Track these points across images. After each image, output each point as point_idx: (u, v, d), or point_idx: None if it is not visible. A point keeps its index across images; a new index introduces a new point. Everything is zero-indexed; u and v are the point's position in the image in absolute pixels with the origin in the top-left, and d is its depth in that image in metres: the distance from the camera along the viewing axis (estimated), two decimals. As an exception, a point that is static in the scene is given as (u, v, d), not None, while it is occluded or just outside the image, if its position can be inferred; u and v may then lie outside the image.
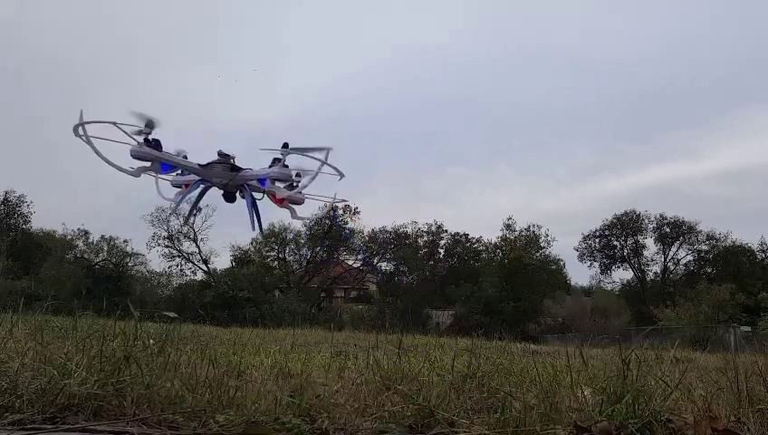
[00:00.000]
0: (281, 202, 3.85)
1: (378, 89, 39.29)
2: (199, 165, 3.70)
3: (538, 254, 27.78)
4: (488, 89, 38.04)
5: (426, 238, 30.87)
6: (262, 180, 3.97)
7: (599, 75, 35.86)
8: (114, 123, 3.88)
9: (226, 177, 3.63)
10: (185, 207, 6.98)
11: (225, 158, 3.75)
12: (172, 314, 1.72)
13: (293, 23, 39.35)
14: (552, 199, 38.28)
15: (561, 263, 29.63)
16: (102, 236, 27.16)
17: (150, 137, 3.64)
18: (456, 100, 38.73)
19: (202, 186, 3.69)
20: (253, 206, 4.12)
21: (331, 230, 28.56)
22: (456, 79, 38.29)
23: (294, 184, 4.55)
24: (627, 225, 30.51)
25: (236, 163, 4.02)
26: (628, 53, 34.52)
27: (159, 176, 3.80)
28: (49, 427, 1.31)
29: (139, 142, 3.60)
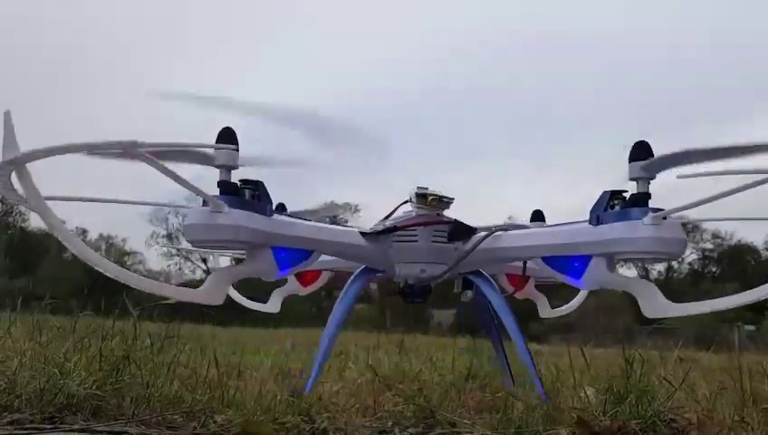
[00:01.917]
0: (523, 284, 1.52)
1: (393, 78, 39.05)
2: (364, 233, 1.11)
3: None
4: (513, 78, 37.68)
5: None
6: (574, 265, 1.06)
7: (629, 66, 35.71)
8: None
9: (444, 258, 1.10)
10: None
11: (438, 206, 1.12)
12: (172, 301, 1.69)
13: (307, 11, 39.30)
14: (569, 195, 38.03)
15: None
16: (100, 235, 27.20)
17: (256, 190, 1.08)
18: (478, 90, 38.37)
19: (356, 286, 1.25)
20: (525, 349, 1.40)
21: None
22: (483, 68, 37.94)
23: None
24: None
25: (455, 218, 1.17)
26: (662, 44, 34.42)
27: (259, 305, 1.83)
28: (48, 426, 1.31)
29: (207, 197, 1.02)
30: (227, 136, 1.12)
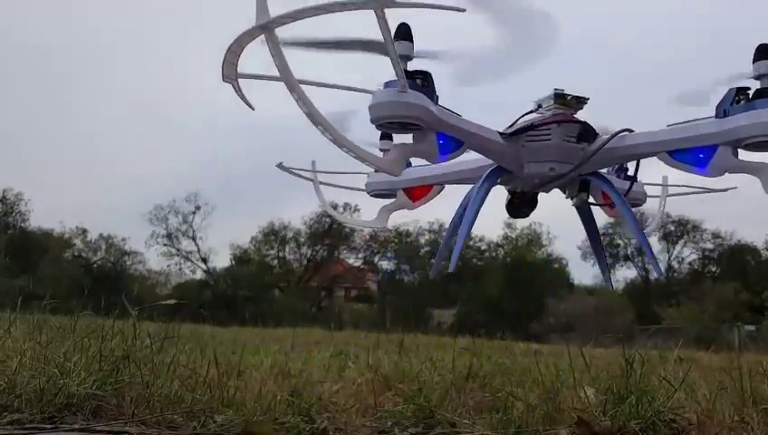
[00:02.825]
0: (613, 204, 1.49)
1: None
2: (503, 134, 1.24)
3: (540, 251, 27.82)
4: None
5: (427, 237, 30.89)
6: (699, 155, 1.13)
7: (630, 66, 35.64)
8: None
9: (571, 158, 1.19)
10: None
11: (569, 107, 1.21)
12: (172, 301, 1.71)
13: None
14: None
15: (564, 262, 29.64)
16: (100, 235, 27.21)
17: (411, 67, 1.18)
18: (471, 90, 38.27)
19: (489, 183, 1.28)
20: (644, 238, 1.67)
21: (331, 229, 28.58)
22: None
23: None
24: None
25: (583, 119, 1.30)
26: (663, 43, 34.39)
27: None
28: (48, 426, 1.31)
29: (399, 73, 1.10)
30: (404, 31, 1.19)
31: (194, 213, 27.46)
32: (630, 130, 1.23)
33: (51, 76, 35.29)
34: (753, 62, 1.09)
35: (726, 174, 1.18)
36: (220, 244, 40.51)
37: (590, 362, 1.74)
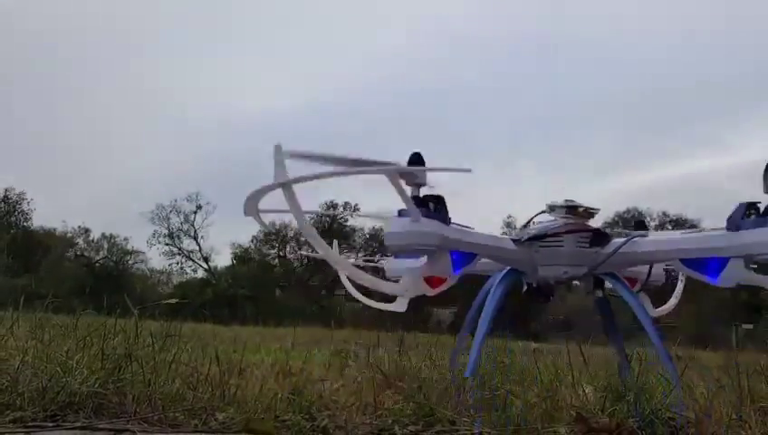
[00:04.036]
0: (634, 283, 1.57)
1: (392, 78, 38.87)
2: (515, 240, 1.33)
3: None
4: (511, 78, 37.54)
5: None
6: (711, 265, 1.22)
7: (626, 66, 35.55)
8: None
9: (583, 261, 1.29)
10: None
11: (584, 216, 1.31)
12: (173, 300, 1.74)
13: (304, 6, 39.15)
14: (569, 195, 37.66)
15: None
16: (103, 234, 27.24)
17: (424, 192, 1.27)
18: (476, 89, 38.22)
19: (505, 283, 1.37)
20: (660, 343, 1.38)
21: (332, 228, 28.58)
22: (478, 67, 37.83)
23: None
24: (628, 222, 30.50)
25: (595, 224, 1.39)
26: (655, 43, 34.32)
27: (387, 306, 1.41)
28: (50, 425, 1.32)
29: (411, 208, 1.18)
30: (418, 159, 1.26)
31: (195, 212, 27.52)
32: (644, 235, 1.30)
33: (53, 76, 35.29)
34: (765, 178, 1.12)
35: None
36: (221, 243, 40.43)
37: (588, 361, 1.75)
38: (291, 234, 29.21)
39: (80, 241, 27.36)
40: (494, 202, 37.82)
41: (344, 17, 38.24)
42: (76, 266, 24.42)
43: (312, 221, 25.65)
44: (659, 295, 1.93)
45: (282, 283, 28.21)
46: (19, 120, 33.93)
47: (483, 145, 38.22)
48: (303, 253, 27.90)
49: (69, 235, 27.10)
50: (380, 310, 1.46)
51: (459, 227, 1.29)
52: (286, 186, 1.06)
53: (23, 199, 27.32)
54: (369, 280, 1.21)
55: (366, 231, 29.38)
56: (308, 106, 38.63)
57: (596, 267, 1.28)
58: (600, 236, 1.30)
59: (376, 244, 29.96)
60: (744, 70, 34.54)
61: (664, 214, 30.31)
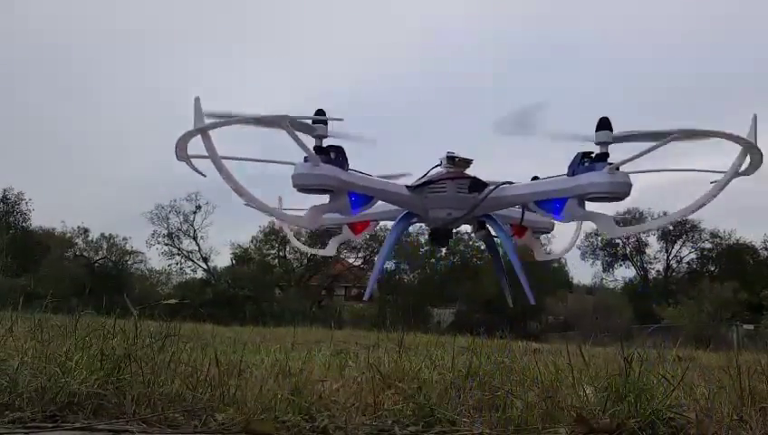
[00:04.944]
0: (522, 232, 1.89)
1: (393, 77, 38.89)
2: (408, 187, 1.64)
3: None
4: (509, 78, 37.63)
5: (427, 236, 30.86)
6: (555, 205, 1.52)
7: (626, 66, 35.61)
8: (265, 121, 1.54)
9: (464, 204, 1.57)
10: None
11: (461, 165, 1.61)
12: (173, 301, 1.76)
13: (304, 6, 39.16)
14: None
15: (563, 261, 29.67)
16: (102, 234, 27.23)
17: (325, 142, 1.54)
18: (475, 89, 38.26)
19: (401, 225, 1.72)
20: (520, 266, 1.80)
21: (331, 228, 28.56)
22: (482, 66, 37.90)
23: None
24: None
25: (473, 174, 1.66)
26: (655, 43, 34.40)
27: (336, 222, 1.90)
28: (49, 425, 1.32)
29: (309, 154, 1.48)
30: (320, 114, 1.50)
31: (195, 212, 27.50)
32: (510, 183, 1.48)
33: (53, 76, 35.29)
34: (596, 132, 1.34)
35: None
36: (221, 243, 40.48)
37: (588, 361, 1.75)
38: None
39: (79, 241, 27.36)
40: (494, 202, 37.74)
41: (344, 17, 38.26)
42: (75, 267, 24.42)
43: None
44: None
45: (281, 283, 28.19)
46: (19, 120, 33.95)
47: (483, 145, 38.16)
48: (304, 248, 27.88)
49: (68, 235, 27.11)
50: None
51: (357, 173, 1.56)
52: (204, 132, 1.31)
53: (21, 199, 27.34)
54: (276, 213, 1.47)
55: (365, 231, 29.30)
56: (308, 106, 38.59)
57: (473, 209, 1.54)
58: (477, 183, 1.57)
59: (376, 244, 29.98)
60: (745, 70, 34.58)
61: (665, 214, 30.38)
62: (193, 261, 27.91)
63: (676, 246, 30.15)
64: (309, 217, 1.39)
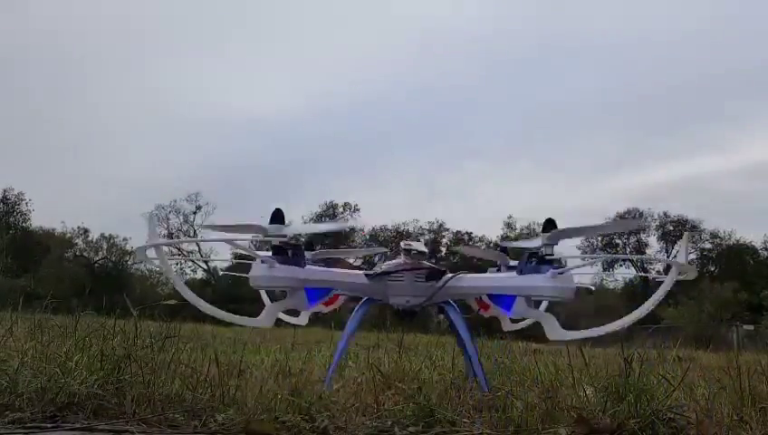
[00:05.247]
0: (487, 307, 1.84)
1: (393, 78, 38.91)
2: (368, 275, 1.73)
3: (539, 252, 27.89)
4: (513, 79, 37.63)
5: (427, 237, 30.89)
6: (505, 301, 1.65)
7: (626, 66, 35.64)
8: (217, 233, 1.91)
9: (422, 292, 1.70)
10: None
11: (417, 257, 1.73)
12: (173, 301, 1.78)
13: (305, 6, 39.18)
14: (570, 196, 37.83)
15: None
16: (102, 235, 27.27)
17: (282, 239, 1.65)
18: (478, 89, 38.28)
19: (363, 310, 1.78)
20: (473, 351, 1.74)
21: (331, 228, 28.58)
22: (483, 68, 37.95)
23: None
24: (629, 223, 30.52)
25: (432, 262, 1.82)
26: (655, 43, 34.42)
27: (292, 319, 2.00)
28: (49, 425, 1.32)
29: (264, 258, 1.62)
30: (277, 216, 1.58)
31: (195, 213, 27.57)
32: (467, 273, 1.57)
33: (53, 76, 35.28)
34: (542, 233, 1.41)
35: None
36: (221, 243, 40.42)
37: (588, 361, 1.74)
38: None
39: (79, 241, 27.40)
40: (494, 202, 37.87)
41: (344, 17, 38.26)
42: (75, 267, 24.43)
43: (312, 220, 25.67)
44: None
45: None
46: (19, 120, 33.94)
47: (482, 146, 38.24)
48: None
49: (68, 235, 27.13)
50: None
51: (315, 268, 1.71)
52: (157, 246, 1.43)
53: (21, 200, 27.36)
54: (236, 320, 1.60)
55: (366, 231, 29.38)
56: (308, 105, 38.66)
57: (431, 298, 1.64)
58: (435, 273, 1.67)
59: (376, 244, 29.98)
60: (745, 70, 34.57)
61: (665, 214, 30.37)
62: (193, 261, 27.94)
63: (676, 247, 30.15)
64: (266, 317, 1.53)
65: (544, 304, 1.68)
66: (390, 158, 40.07)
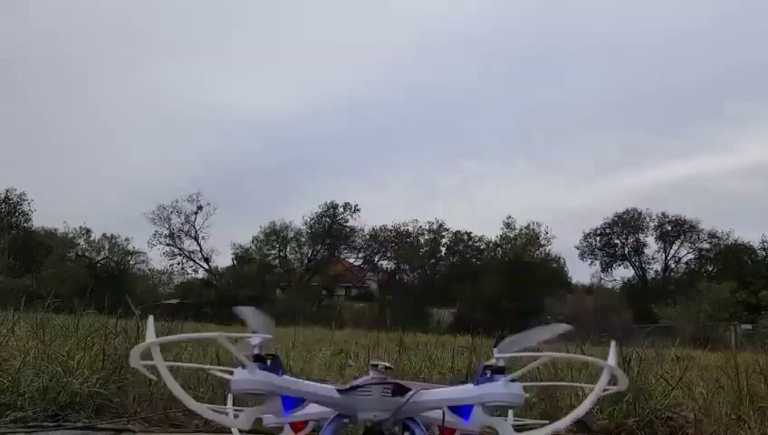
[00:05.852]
0: (452, 432, 1.47)
1: (393, 78, 38.90)
2: (339, 390, 1.41)
3: (538, 251, 27.88)
4: (513, 79, 37.61)
5: (427, 237, 30.88)
6: (465, 410, 1.47)
7: (630, 67, 35.65)
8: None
9: (388, 407, 1.46)
10: None
11: (385, 372, 1.58)
12: (174, 301, 1.78)
13: (305, 6, 39.15)
14: (569, 196, 37.76)
15: (562, 261, 29.70)
16: (104, 235, 27.26)
17: (264, 351, 1.36)
18: (478, 89, 38.27)
19: (333, 426, 1.40)
20: None
21: (331, 228, 28.59)
22: (481, 68, 37.96)
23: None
24: (628, 223, 30.55)
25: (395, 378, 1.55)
26: (655, 44, 34.42)
27: (274, 422, 1.51)
28: (51, 424, 1.32)
29: (245, 364, 1.25)
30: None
31: (196, 213, 27.54)
32: (426, 388, 1.50)
33: (53, 76, 35.26)
34: (493, 347, 1.37)
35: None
36: (222, 243, 40.50)
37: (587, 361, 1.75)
38: (291, 235, 29.25)
39: (81, 241, 27.38)
40: (494, 202, 37.86)
41: (344, 17, 38.23)
42: (77, 267, 24.42)
43: (312, 221, 25.60)
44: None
45: (282, 283, 28.17)
46: (19, 120, 33.92)
47: (482, 146, 38.24)
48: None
49: (70, 235, 27.11)
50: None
51: (290, 378, 1.71)
52: (153, 345, 1.38)
53: (23, 200, 27.35)
54: (219, 419, 1.56)
55: (366, 231, 29.39)
56: (308, 105, 38.64)
57: (396, 413, 1.66)
58: (399, 388, 1.69)
59: (376, 244, 30.01)
60: (745, 70, 34.56)
61: (663, 215, 30.35)
62: (194, 261, 27.97)
63: (675, 247, 30.18)
64: (243, 420, 1.56)
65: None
66: (390, 158, 40.02)
